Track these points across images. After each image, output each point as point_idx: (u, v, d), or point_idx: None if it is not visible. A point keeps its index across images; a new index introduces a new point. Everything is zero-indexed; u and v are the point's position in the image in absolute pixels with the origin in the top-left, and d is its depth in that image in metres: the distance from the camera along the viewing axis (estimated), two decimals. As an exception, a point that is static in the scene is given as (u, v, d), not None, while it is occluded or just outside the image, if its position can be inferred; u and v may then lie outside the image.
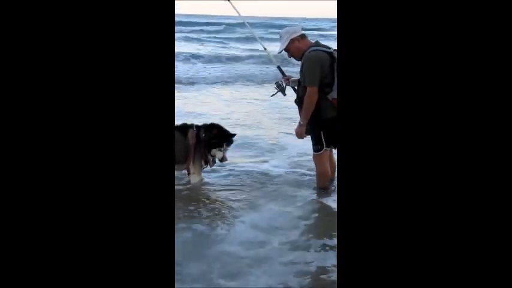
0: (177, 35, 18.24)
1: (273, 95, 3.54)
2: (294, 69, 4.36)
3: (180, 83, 8.59)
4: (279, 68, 3.67)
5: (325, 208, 3.10)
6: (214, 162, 3.48)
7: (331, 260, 2.41)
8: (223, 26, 25.63)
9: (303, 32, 3.16)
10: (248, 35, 16.89)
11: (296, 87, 3.30)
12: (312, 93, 2.98)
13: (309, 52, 3.01)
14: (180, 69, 10.14)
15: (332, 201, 3.16)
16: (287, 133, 4.91)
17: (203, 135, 3.41)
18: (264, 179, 3.67)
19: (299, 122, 3.13)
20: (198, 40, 18.86)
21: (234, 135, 3.50)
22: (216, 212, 3.03)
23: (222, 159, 3.44)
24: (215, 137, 3.40)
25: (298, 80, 3.20)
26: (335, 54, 2.94)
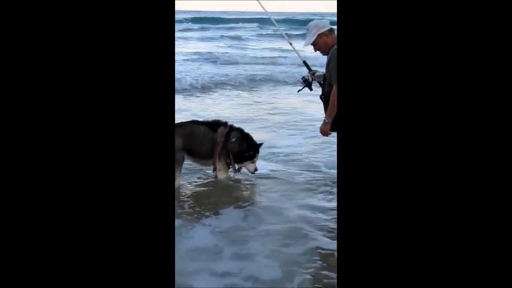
0: (192, 33, 18.20)
1: (300, 90, 3.53)
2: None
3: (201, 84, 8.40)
4: (304, 62, 3.66)
5: (292, 215, 2.92)
6: (238, 170, 3.53)
7: (274, 270, 2.16)
8: (256, 23, 25.83)
9: (331, 26, 3.12)
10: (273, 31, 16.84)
11: (322, 82, 3.28)
12: None
13: (336, 49, 2.99)
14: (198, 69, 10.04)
15: (296, 208, 3.04)
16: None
17: (233, 139, 3.44)
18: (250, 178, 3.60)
19: (324, 120, 3.11)
20: (216, 38, 18.95)
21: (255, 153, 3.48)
22: (185, 212, 2.97)
23: (254, 170, 3.47)
24: (246, 151, 3.43)
25: (324, 74, 3.18)
26: None
